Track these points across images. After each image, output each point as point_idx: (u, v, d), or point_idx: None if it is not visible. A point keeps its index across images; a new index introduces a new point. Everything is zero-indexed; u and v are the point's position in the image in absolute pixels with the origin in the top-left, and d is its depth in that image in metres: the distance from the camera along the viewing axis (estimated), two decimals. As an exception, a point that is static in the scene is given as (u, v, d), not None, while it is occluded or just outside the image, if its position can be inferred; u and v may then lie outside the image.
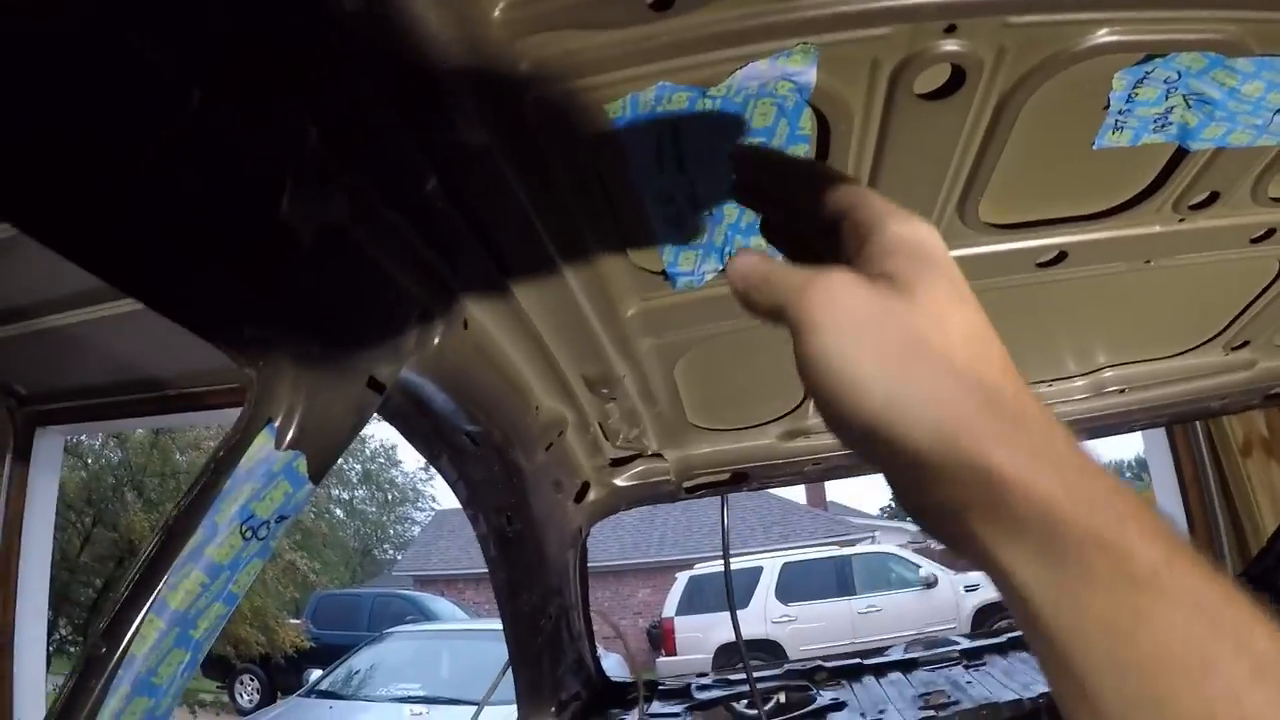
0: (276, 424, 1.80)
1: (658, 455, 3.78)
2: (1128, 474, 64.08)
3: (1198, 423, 7.14)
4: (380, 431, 54.24)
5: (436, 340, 2.21)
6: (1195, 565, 0.78)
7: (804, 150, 1.92)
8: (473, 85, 1.62)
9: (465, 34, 1.50)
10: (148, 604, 1.63)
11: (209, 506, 1.71)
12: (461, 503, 3.15)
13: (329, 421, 1.91)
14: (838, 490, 60.90)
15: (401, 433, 2.69)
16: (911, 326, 0.90)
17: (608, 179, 1.97)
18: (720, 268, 2.30)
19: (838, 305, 0.92)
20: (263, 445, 1.78)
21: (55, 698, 1.59)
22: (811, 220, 1.09)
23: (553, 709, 4.09)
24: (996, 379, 0.89)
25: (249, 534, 1.76)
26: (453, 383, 2.44)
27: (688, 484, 3.94)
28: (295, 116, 1.60)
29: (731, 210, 2.09)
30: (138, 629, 1.61)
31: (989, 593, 24.31)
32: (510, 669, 3.90)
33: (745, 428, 3.71)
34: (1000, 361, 0.92)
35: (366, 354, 2.02)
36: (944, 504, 0.87)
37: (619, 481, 3.84)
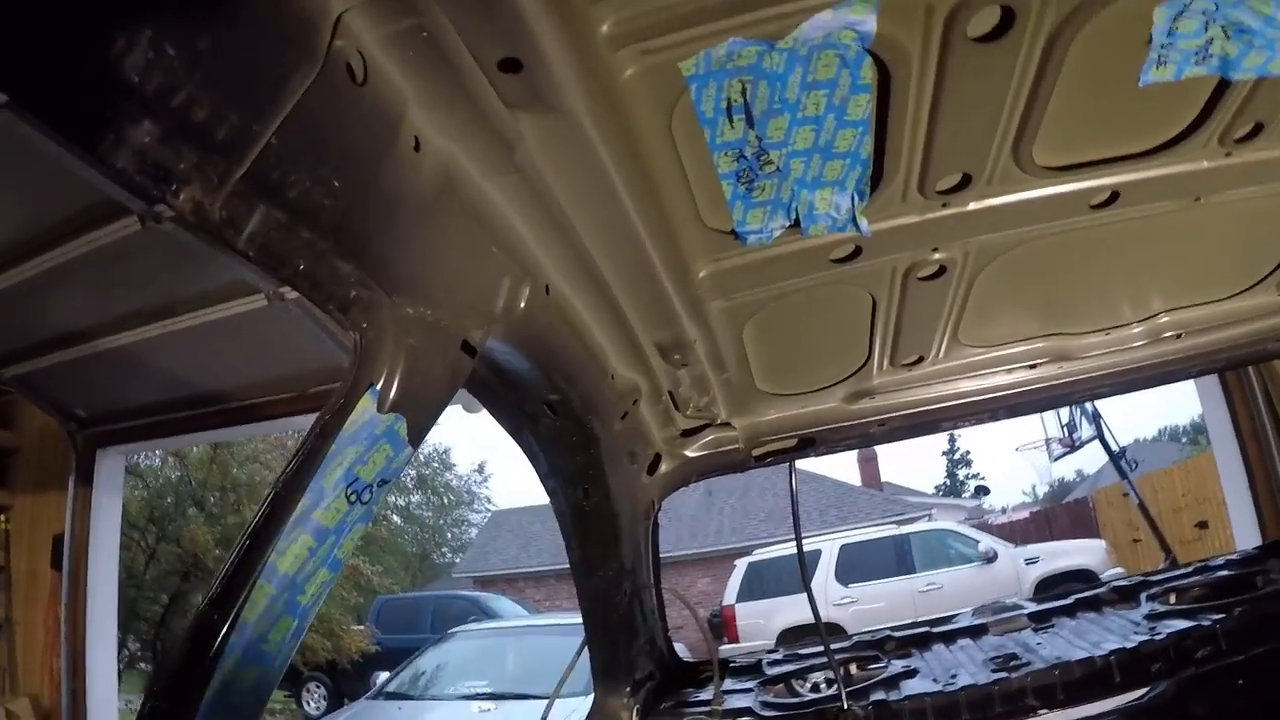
0: (379, 387, 1.85)
1: (726, 424, 3.83)
2: (1183, 439, 63.31)
3: (1253, 375, 7.10)
4: (433, 436, 54.19)
5: (522, 305, 2.28)
6: None
7: (865, 100, 2.00)
8: (557, 49, 1.71)
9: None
10: (258, 569, 1.66)
11: (316, 470, 1.75)
12: (540, 476, 3.21)
13: (427, 384, 1.98)
14: (892, 470, 60.54)
15: (485, 405, 2.76)
16: None
17: (682, 138, 2.05)
18: (788, 223, 2.37)
19: None
20: (366, 408, 1.83)
21: (160, 669, 1.60)
22: None
23: (628, 689, 4.13)
24: None
25: (354, 497, 1.81)
26: (535, 349, 2.52)
27: (757, 451, 3.98)
28: (392, 88, 1.69)
29: (798, 164, 2.17)
30: (249, 595, 1.64)
31: (1050, 564, 24.10)
32: (581, 658, 3.96)
33: (811, 391, 3.76)
34: None
35: (459, 318, 2.08)
36: None
37: (689, 452, 3.90)
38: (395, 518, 50.45)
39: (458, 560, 51.15)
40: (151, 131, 1.37)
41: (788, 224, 2.37)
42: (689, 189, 2.26)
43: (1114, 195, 2.67)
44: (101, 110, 1.33)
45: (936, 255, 2.83)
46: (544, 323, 2.45)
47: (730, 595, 26.62)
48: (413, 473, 51.79)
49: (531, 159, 2.00)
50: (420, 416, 1.97)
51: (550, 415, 2.87)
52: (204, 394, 7.38)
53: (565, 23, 1.65)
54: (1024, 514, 42.70)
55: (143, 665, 25.89)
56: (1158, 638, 3.83)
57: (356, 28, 1.57)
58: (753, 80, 1.88)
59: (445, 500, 56.51)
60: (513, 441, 3.05)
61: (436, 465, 54.60)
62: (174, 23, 1.33)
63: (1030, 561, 24.54)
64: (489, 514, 53.75)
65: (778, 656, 4.86)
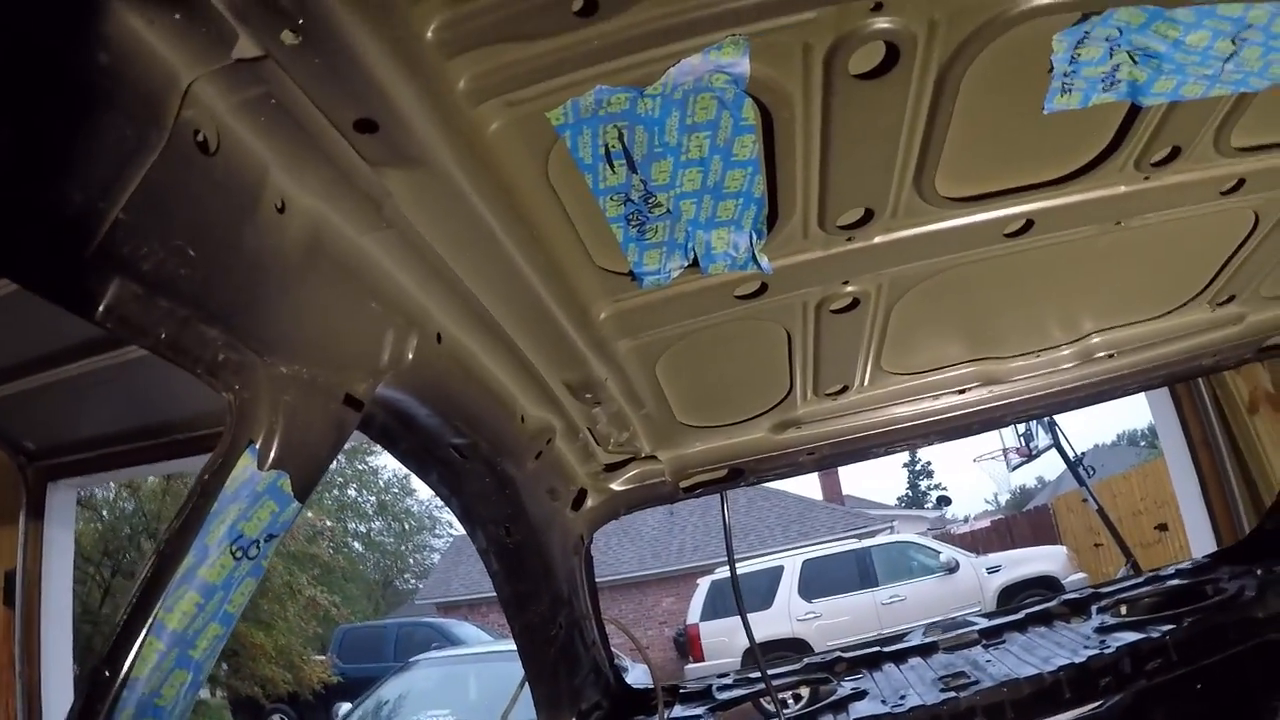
0: (258, 445, 1.82)
1: (651, 457, 3.79)
2: (1141, 443, 64.00)
3: (1202, 384, 7.14)
4: (393, 462, 54.17)
5: (410, 355, 2.23)
6: None
7: (751, 140, 1.95)
8: (413, 106, 1.66)
9: (400, 58, 1.55)
10: (146, 627, 1.65)
11: (199, 529, 1.73)
12: (458, 517, 3.16)
13: (309, 440, 1.94)
14: (853, 483, 60.91)
15: (390, 451, 2.71)
16: None
17: (560, 185, 2.00)
18: (685, 264, 2.31)
19: None
20: (245, 467, 1.80)
21: None
22: None
23: (573, 719, 4.08)
24: None
25: (239, 554, 1.79)
26: (433, 397, 2.46)
27: (684, 484, 3.95)
28: (249, 155, 1.65)
29: (689, 205, 2.11)
30: (139, 652, 1.63)
31: (1012, 573, 24.33)
32: (526, 685, 3.89)
33: (736, 423, 3.72)
34: None
35: (340, 373, 2.04)
36: None
37: (615, 486, 3.85)
38: (357, 545, 50.44)
39: (420, 586, 51.16)
40: None
41: (686, 264, 2.32)
42: (576, 234, 2.22)
43: (1029, 223, 2.64)
44: None
45: (848, 288, 2.80)
46: (439, 370, 2.40)
47: (694, 614, 26.69)
48: (373, 499, 51.82)
49: (401, 214, 1.95)
50: (304, 471, 1.94)
51: (459, 458, 2.82)
52: (155, 425, 7.30)
53: (418, 81, 1.62)
54: (985, 523, 43.24)
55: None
56: (1107, 651, 3.86)
57: (206, 97, 1.54)
58: (628, 125, 1.83)
59: (406, 526, 56.53)
60: (425, 486, 3.00)
61: (396, 491, 54.59)
62: (12, 100, 1.31)
63: (992, 570, 24.80)
64: (451, 539, 53.72)
65: (728, 681, 4.85)
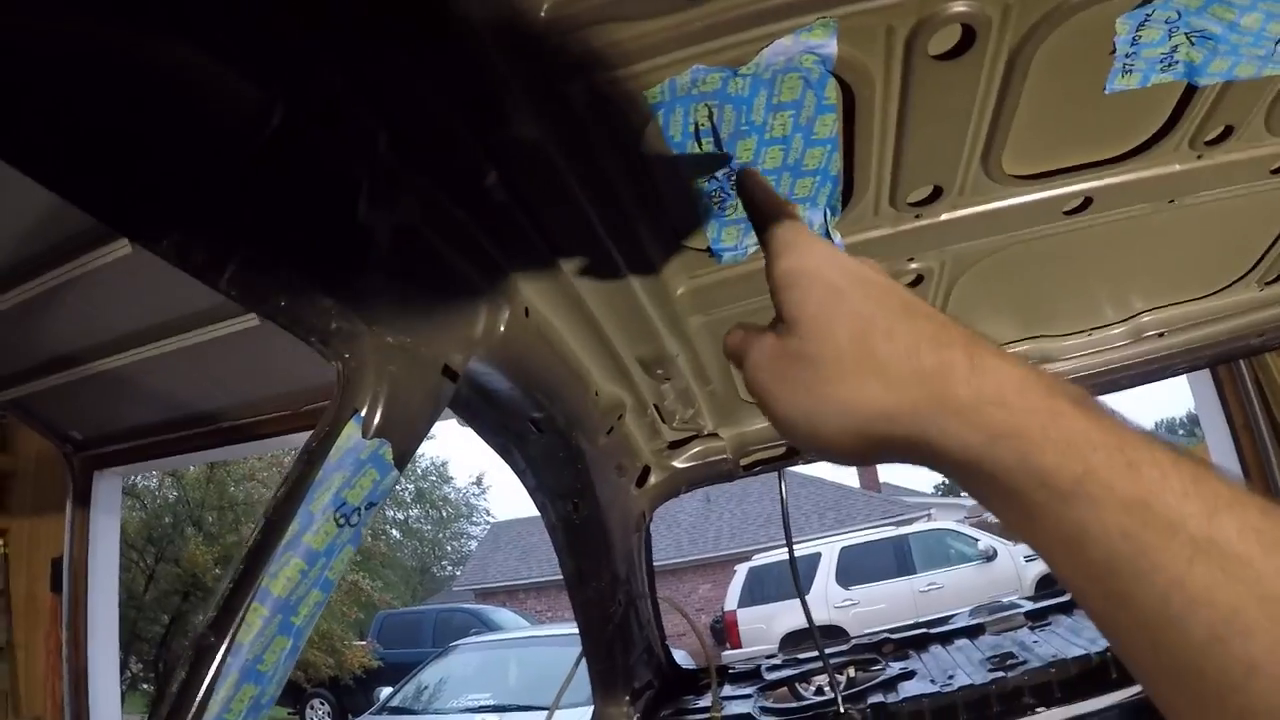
0: (363, 414, 1.89)
1: (714, 435, 3.87)
2: (1179, 431, 63.41)
3: (1245, 369, 7.13)
4: (431, 449, 54.32)
5: (502, 328, 2.32)
6: (1128, 466, 0.82)
7: (831, 119, 2.03)
8: (524, 82, 1.75)
9: (515, 34, 1.62)
10: (252, 593, 1.71)
11: (304, 496, 1.80)
12: (529, 490, 3.24)
13: (410, 409, 2.02)
14: (890, 471, 60.55)
15: (471, 425, 2.79)
16: (805, 360, 1.04)
17: (652, 162, 2.08)
18: None
19: (760, 364, 1.09)
20: (350, 435, 1.87)
21: (161, 691, 1.66)
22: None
23: (627, 698, 4.16)
24: (903, 354, 0.99)
25: (342, 520, 1.85)
26: (517, 370, 2.55)
27: (744, 461, 4.02)
28: (367, 126, 1.73)
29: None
30: (243, 617, 1.69)
31: (1050, 562, 24.20)
32: (581, 666, 3.98)
33: None
34: (908, 329, 1.01)
35: (440, 344, 2.13)
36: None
37: (678, 463, 3.93)
38: (394, 532, 50.46)
39: (458, 573, 51.24)
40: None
41: None
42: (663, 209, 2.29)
43: (1087, 201, 2.70)
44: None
45: (913, 265, 2.87)
46: (524, 344, 2.48)
47: (731, 601, 26.72)
48: (411, 487, 51.87)
49: (501, 188, 2.03)
50: (405, 440, 2.00)
51: (536, 432, 2.90)
52: (199, 414, 7.40)
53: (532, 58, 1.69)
54: (1024, 511, 42.80)
55: (145, 686, 25.95)
56: (1155, 634, 3.82)
57: None
58: (719, 104, 1.91)
59: (444, 513, 56.58)
60: (501, 460, 3.08)
61: (434, 479, 54.76)
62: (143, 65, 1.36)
63: (1030, 559, 24.58)
64: (488, 526, 53.86)
65: (777, 662, 4.91)
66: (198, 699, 1.62)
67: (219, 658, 1.65)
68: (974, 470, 0.90)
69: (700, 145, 2.02)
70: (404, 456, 2.02)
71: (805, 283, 1.09)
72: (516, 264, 2.34)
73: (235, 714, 1.67)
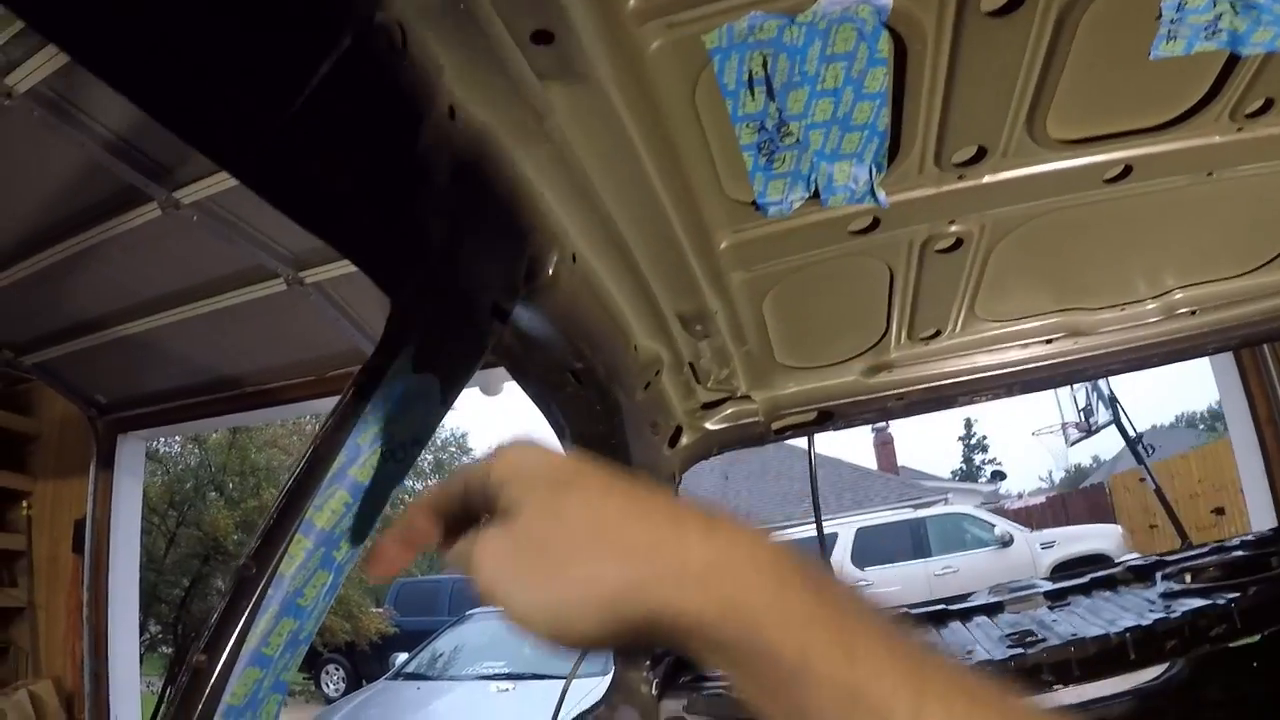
0: (413, 348, 1.89)
1: (746, 397, 3.90)
2: (1200, 425, 63.16)
3: (1270, 361, 7.13)
4: (451, 420, 54.19)
5: (550, 272, 2.34)
6: (845, 651, 0.82)
7: (882, 73, 2.06)
8: (587, 21, 1.78)
9: None
10: (296, 524, 1.71)
11: (352, 428, 1.79)
12: (563, 445, 3.22)
13: (458, 346, 2.04)
14: (908, 454, 60.61)
15: (512, 372, 2.81)
16: (536, 545, 0.99)
17: (705, 110, 2.12)
18: (807, 195, 2.43)
19: (488, 561, 1.01)
20: (400, 368, 1.87)
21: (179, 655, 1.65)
22: (488, 504, 1.12)
23: (647, 663, 4.20)
24: (638, 527, 0.95)
25: (388, 454, 1.85)
26: (561, 317, 2.57)
27: (776, 425, 4.04)
28: (432, 55, 1.75)
29: (817, 136, 2.22)
30: (286, 549, 1.68)
31: (1066, 549, 24.17)
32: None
33: (829, 364, 3.83)
34: (640, 505, 0.98)
35: (490, 283, 2.14)
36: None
37: (710, 425, 3.96)
38: (413, 502, 50.51)
39: (475, 544, 51.30)
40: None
41: (807, 196, 2.43)
42: (711, 160, 2.33)
43: (1127, 169, 2.72)
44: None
45: (953, 228, 2.89)
46: (570, 290, 2.50)
47: (746, 579, 26.72)
48: (430, 457, 51.87)
49: (561, 129, 2.06)
50: (452, 377, 2.02)
51: (575, 383, 2.92)
52: (223, 379, 7.47)
53: None
54: (1040, 499, 42.85)
55: (164, 648, 26.07)
56: (1173, 615, 3.89)
57: None
58: (773, 53, 1.94)
59: (462, 485, 56.59)
60: (538, 413, 3.11)
61: (454, 450, 54.65)
62: None
63: (1046, 546, 24.65)
64: (505, 498, 53.94)
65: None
66: (237, 630, 1.63)
67: (260, 588, 1.66)
68: (711, 641, 0.89)
69: (753, 95, 2.05)
70: (451, 394, 2.03)
71: (526, 472, 1.05)
72: (567, 208, 2.36)
73: (274, 648, 1.68)
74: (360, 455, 1.80)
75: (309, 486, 1.74)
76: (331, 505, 1.75)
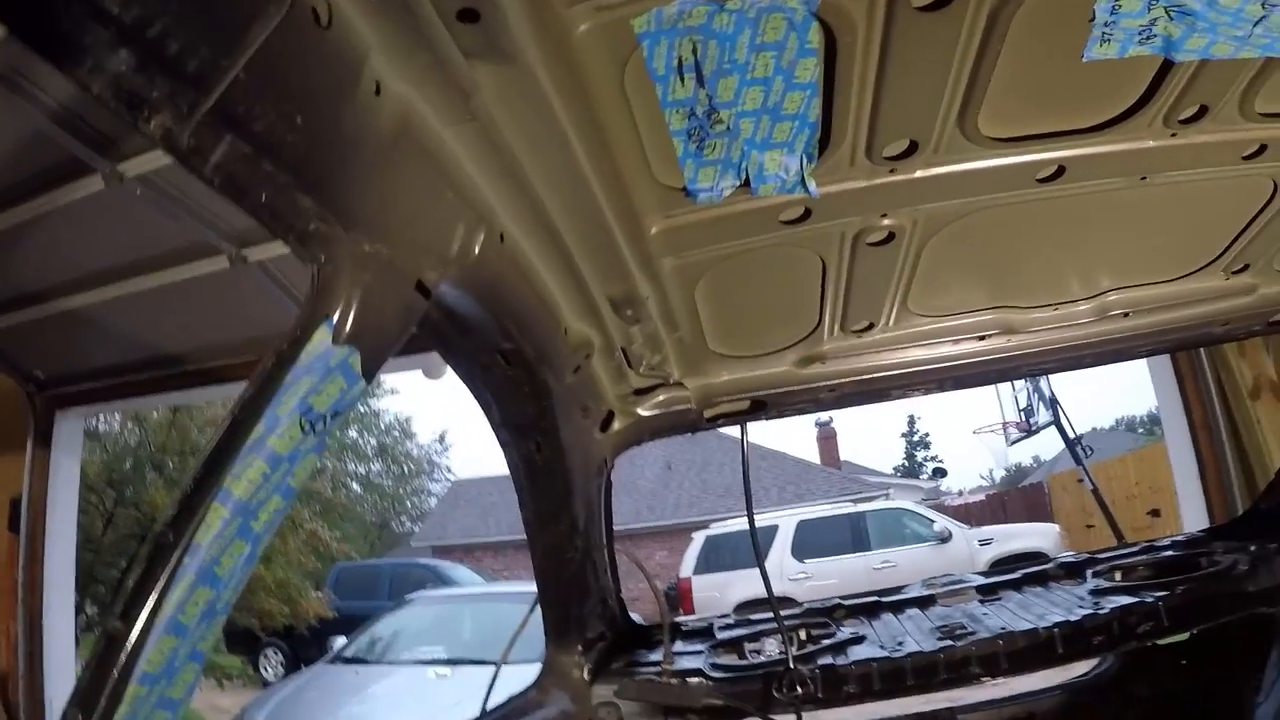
0: (334, 319, 1.89)
1: (679, 384, 3.90)
2: (1139, 429, 63.93)
3: (1206, 367, 7.21)
4: (395, 405, 54.19)
5: (477, 250, 2.33)
6: None
7: (812, 64, 2.07)
8: (514, 1, 1.77)
9: None
10: (213, 492, 1.70)
11: (271, 399, 1.80)
12: (493, 426, 3.26)
13: (382, 320, 2.03)
14: (851, 449, 60.93)
15: (440, 351, 2.81)
16: None
17: (634, 94, 2.11)
18: (738, 183, 2.42)
19: None
20: (321, 340, 1.87)
21: (118, 585, 1.64)
22: None
23: (579, 647, 4.21)
24: None
25: (307, 427, 1.85)
26: (489, 296, 2.57)
27: (709, 412, 4.06)
28: (361, 32, 1.75)
29: (748, 125, 2.22)
30: (203, 517, 1.68)
31: (1004, 546, 24.48)
32: (531, 622, 4.02)
33: (763, 354, 3.84)
34: None
35: (415, 258, 2.14)
36: None
37: (642, 411, 3.97)
38: (355, 485, 50.20)
39: (416, 529, 51.26)
40: (127, 60, 1.44)
41: (738, 184, 2.42)
42: (641, 145, 2.33)
43: (1060, 169, 2.75)
44: (82, 38, 1.39)
45: (885, 221, 2.91)
46: (497, 270, 2.50)
47: (687, 568, 26.85)
48: (373, 441, 51.71)
49: (487, 108, 2.06)
50: (374, 351, 2.01)
51: (504, 364, 2.92)
52: (164, 356, 7.35)
53: None
54: (980, 496, 43.33)
55: (100, 629, 25.77)
56: (1101, 612, 3.93)
57: None
58: (703, 39, 1.94)
59: (405, 469, 56.37)
60: (468, 391, 3.11)
61: (397, 434, 54.50)
62: None
63: (984, 543, 24.96)
64: (449, 484, 53.87)
65: (729, 622, 4.94)
66: (153, 597, 1.63)
67: (175, 557, 1.65)
68: None
69: (683, 81, 2.04)
70: (372, 369, 2.02)
71: None
72: (495, 187, 2.35)
73: (190, 617, 1.67)
74: (279, 425, 1.80)
75: (227, 455, 1.75)
76: (249, 475, 1.75)
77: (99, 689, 1.58)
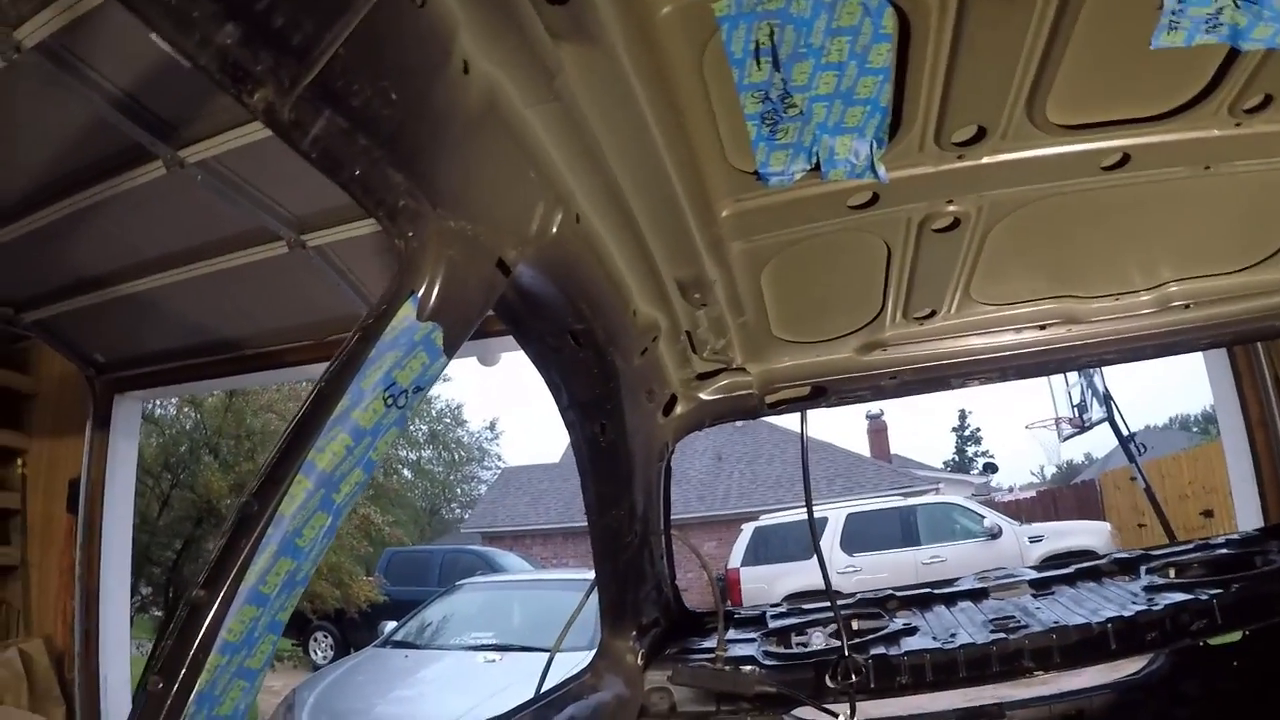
0: (419, 295, 1.94)
1: (741, 369, 3.94)
2: (1193, 428, 63.12)
3: (1265, 364, 7.13)
4: (447, 392, 54.36)
5: (554, 230, 2.37)
6: None
7: (886, 49, 2.09)
8: None
9: None
10: (298, 464, 1.74)
11: (356, 372, 1.84)
12: (560, 408, 3.30)
13: (464, 296, 2.07)
14: (901, 443, 60.42)
15: (512, 331, 2.85)
16: None
17: (712, 77, 2.15)
18: (808, 167, 2.45)
19: None
20: (405, 315, 1.91)
21: (210, 557, 1.67)
22: None
23: (634, 632, 4.24)
24: None
25: (390, 400, 1.89)
26: (563, 276, 2.61)
27: (769, 398, 4.08)
28: (447, 12, 1.79)
29: (820, 109, 2.25)
30: (287, 489, 1.72)
31: (1054, 543, 24.13)
32: (584, 613, 4.11)
33: (825, 340, 3.86)
34: None
35: (497, 236, 2.18)
36: None
37: (704, 395, 4.01)
38: (406, 471, 50.47)
39: (466, 516, 51.33)
40: (234, 34, 1.48)
41: (808, 168, 2.46)
42: (716, 128, 2.38)
43: (1125, 158, 2.75)
44: (191, 11, 1.44)
45: (951, 207, 2.93)
46: (573, 250, 2.54)
47: (735, 559, 26.76)
48: (425, 428, 51.92)
49: (570, 89, 2.11)
50: (456, 327, 2.05)
51: (573, 345, 2.96)
52: (221, 341, 7.44)
53: None
54: (1031, 493, 42.89)
55: (155, 610, 26.05)
56: (1154, 609, 3.91)
57: None
58: (780, 24, 1.97)
59: (456, 456, 56.70)
60: (536, 371, 3.14)
61: (449, 421, 54.81)
62: None
63: (1035, 540, 24.64)
64: (499, 471, 53.92)
65: (781, 610, 4.96)
66: (236, 566, 1.66)
67: (260, 527, 1.69)
68: None
69: (759, 65, 2.07)
70: (454, 344, 2.06)
71: None
72: (573, 168, 2.39)
73: (271, 587, 1.71)
74: (363, 399, 1.84)
75: (312, 428, 1.78)
76: (333, 448, 1.79)
77: (180, 657, 1.61)
